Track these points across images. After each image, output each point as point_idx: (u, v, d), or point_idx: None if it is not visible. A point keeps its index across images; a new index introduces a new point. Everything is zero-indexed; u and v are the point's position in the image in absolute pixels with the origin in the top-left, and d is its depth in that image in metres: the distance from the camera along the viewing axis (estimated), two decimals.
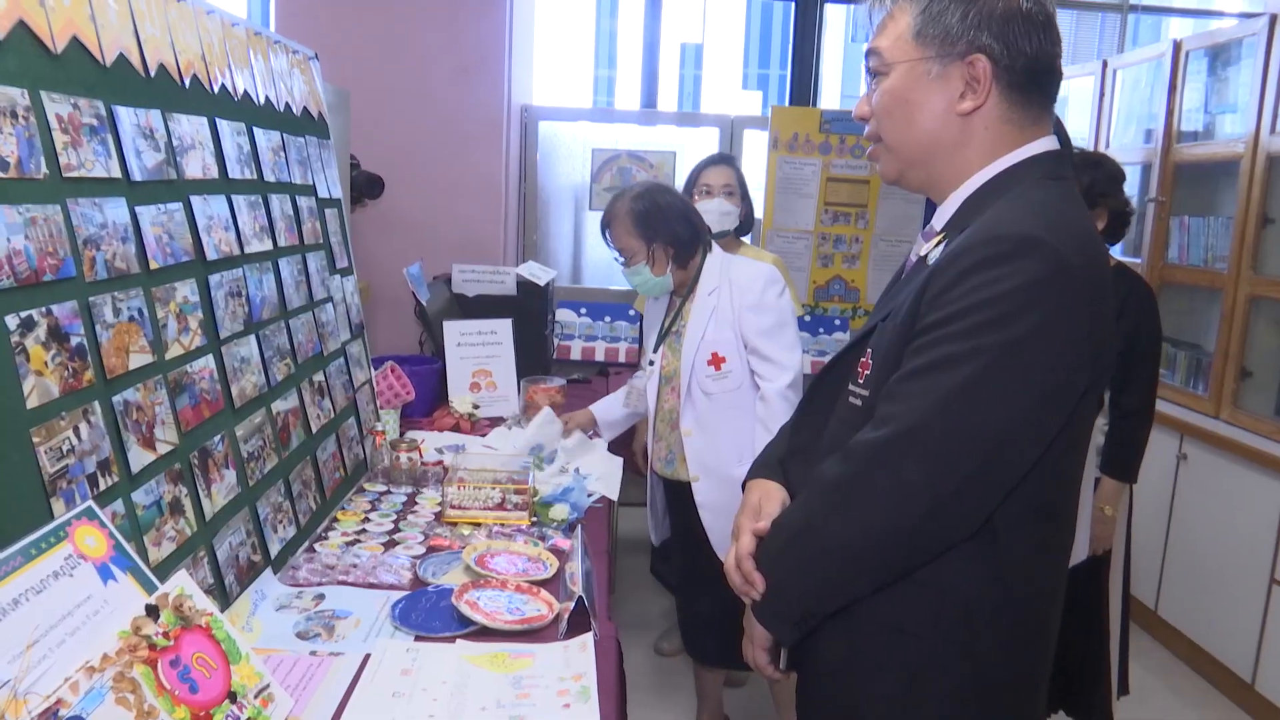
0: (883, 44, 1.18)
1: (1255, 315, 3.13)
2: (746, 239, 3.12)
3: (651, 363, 2.47)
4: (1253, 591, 2.92)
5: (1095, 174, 2.39)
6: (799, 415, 1.38)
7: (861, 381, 1.19)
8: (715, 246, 2.47)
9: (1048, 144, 1.16)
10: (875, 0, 1.22)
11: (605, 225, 2.44)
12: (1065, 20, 7.70)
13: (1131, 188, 3.75)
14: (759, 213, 4.04)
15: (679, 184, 4.25)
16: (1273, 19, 3.01)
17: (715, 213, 2.85)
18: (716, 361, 2.32)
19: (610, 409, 2.70)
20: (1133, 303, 2.42)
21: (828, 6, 4.50)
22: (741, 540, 1.24)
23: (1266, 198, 3.06)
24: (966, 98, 1.13)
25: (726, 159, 3.03)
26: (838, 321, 3.93)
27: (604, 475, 2.36)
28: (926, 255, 1.17)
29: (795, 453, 1.35)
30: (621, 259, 2.42)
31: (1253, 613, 2.92)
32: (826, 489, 1.13)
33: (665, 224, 2.35)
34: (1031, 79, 1.13)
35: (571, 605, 1.52)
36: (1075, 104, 4.27)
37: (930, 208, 1.29)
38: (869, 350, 1.19)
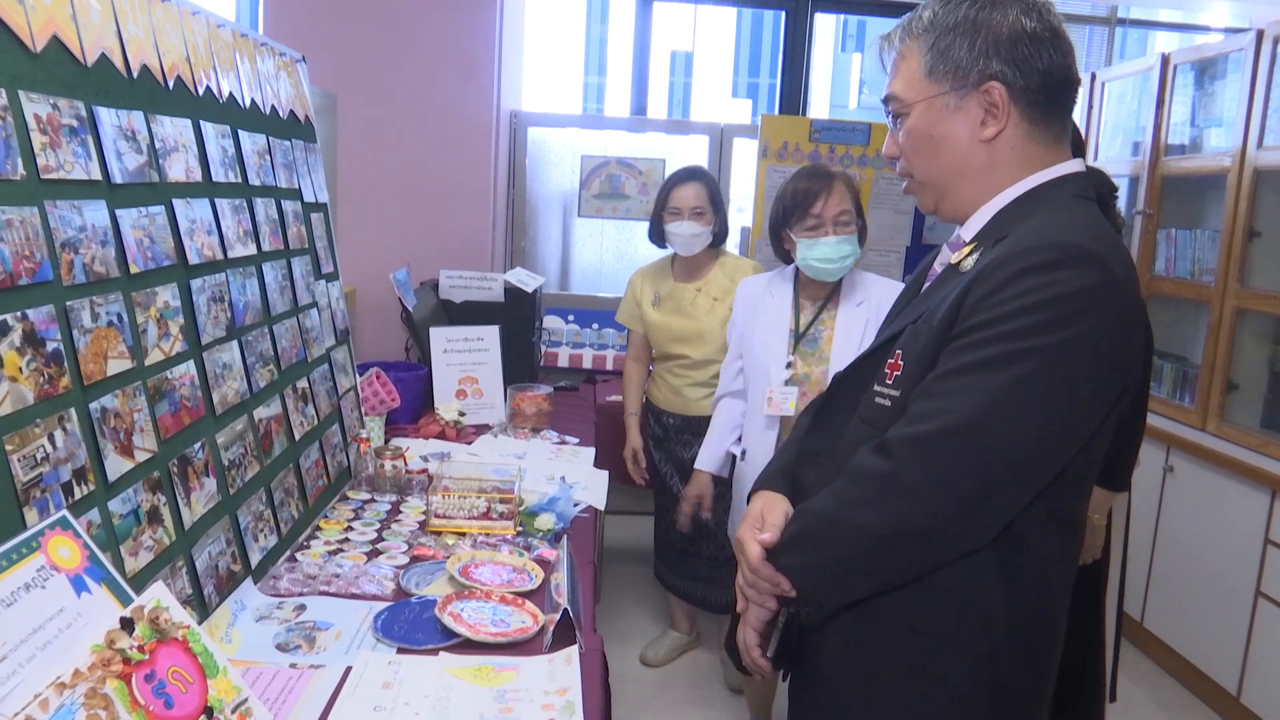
0: (898, 88, 1.21)
1: (1241, 328, 3.14)
2: (731, 248, 3.07)
3: (789, 365, 2.38)
4: (1238, 604, 2.92)
5: None
6: (812, 419, 1.38)
7: (890, 382, 1.19)
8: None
9: (1075, 165, 1.19)
10: (884, 43, 1.24)
11: (823, 190, 2.32)
12: None
13: (1119, 201, 3.77)
14: (748, 220, 4.05)
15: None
16: (1259, 35, 3.03)
17: (684, 235, 2.83)
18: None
19: (716, 455, 2.60)
20: None
21: (818, 16, 4.51)
22: (751, 549, 1.22)
23: (1253, 211, 3.06)
24: (988, 124, 1.15)
25: (696, 175, 2.92)
26: None
27: (590, 484, 2.34)
28: (959, 263, 1.18)
29: (808, 456, 1.34)
30: (844, 223, 2.31)
31: (1238, 625, 2.92)
32: (861, 479, 1.12)
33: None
34: (1048, 94, 1.15)
35: (557, 617, 1.50)
36: None
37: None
38: (898, 352, 1.19)
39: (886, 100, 1.24)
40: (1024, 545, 1.12)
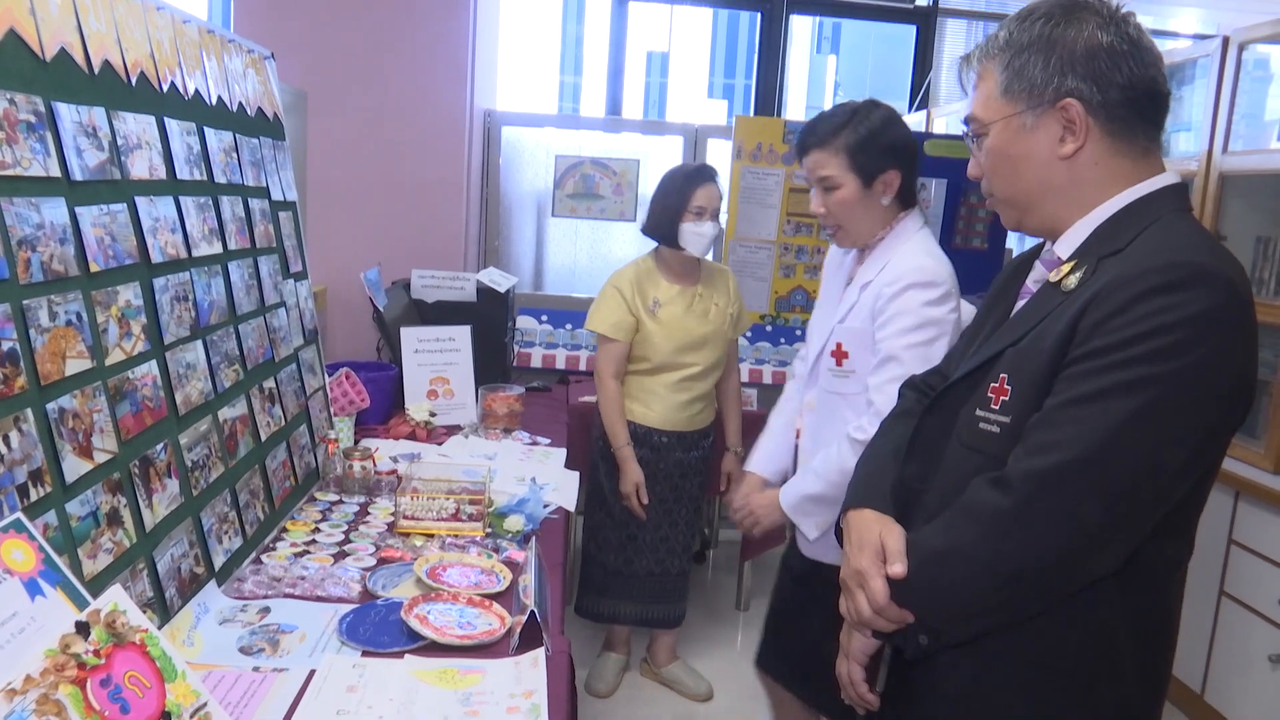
0: (976, 109, 1.21)
1: None
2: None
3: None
4: (1202, 603, 2.96)
5: None
6: (909, 445, 1.33)
7: (997, 407, 1.15)
8: None
9: (1171, 178, 1.16)
10: (964, 64, 1.24)
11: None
12: None
13: None
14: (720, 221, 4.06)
15: (646, 191, 4.24)
16: (1225, 41, 3.07)
17: (709, 236, 2.73)
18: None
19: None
20: None
21: (794, 18, 4.53)
22: (876, 586, 1.15)
23: (1219, 216, 3.11)
24: (1067, 141, 1.14)
25: (715, 174, 2.80)
26: (799, 331, 3.94)
27: (561, 486, 2.33)
28: (1059, 281, 1.15)
29: (906, 483, 1.30)
30: None
31: (1202, 624, 2.96)
32: (982, 515, 1.09)
33: None
34: (1131, 108, 1.13)
35: (524, 619, 1.50)
36: None
37: None
38: (1002, 376, 1.15)
39: (967, 121, 1.23)
40: (1143, 566, 1.10)
